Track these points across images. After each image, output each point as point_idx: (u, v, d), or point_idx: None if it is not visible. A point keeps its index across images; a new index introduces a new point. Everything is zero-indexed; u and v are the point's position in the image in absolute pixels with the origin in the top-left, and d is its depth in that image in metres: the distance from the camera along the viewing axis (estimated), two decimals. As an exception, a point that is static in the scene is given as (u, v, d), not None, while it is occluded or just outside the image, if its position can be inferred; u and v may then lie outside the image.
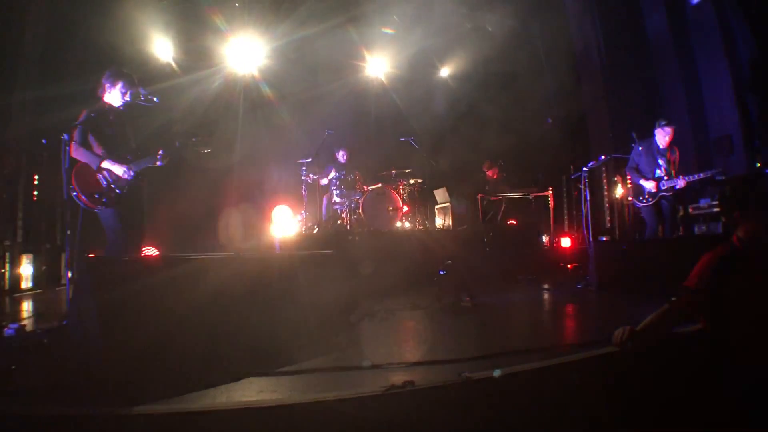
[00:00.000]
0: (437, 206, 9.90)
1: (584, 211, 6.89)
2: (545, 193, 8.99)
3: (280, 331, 3.17)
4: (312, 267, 3.84)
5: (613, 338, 2.53)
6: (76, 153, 4.24)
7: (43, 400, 2.24)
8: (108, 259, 4.10)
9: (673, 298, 2.53)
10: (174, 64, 8.35)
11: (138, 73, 4.64)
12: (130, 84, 4.44)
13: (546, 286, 5.95)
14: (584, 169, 6.92)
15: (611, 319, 4.03)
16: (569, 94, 9.83)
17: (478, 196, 9.01)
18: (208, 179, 7.85)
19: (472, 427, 2.29)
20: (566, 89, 9.82)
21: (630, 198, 6.84)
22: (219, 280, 3.00)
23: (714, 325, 2.48)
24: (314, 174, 8.38)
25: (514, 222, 8.79)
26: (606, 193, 9.33)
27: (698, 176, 6.21)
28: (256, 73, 9.16)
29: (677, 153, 6.35)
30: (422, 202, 9.22)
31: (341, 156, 8.96)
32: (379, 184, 8.41)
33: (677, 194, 6.31)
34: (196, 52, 8.50)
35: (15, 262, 6.32)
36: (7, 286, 6.18)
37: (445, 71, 10.79)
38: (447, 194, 9.55)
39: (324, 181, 8.53)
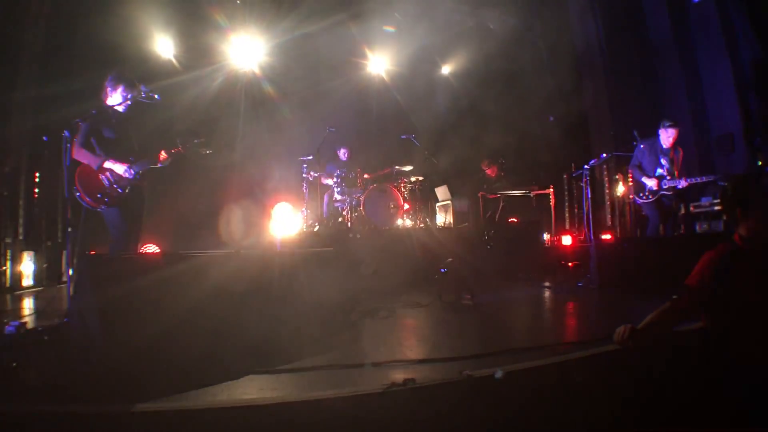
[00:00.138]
0: (438, 204, 9.90)
1: (585, 209, 6.89)
2: (546, 191, 8.98)
3: (281, 328, 3.18)
4: (313, 265, 3.84)
5: (614, 336, 2.52)
6: (78, 155, 4.29)
7: (44, 397, 2.25)
8: (109, 256, 4.12)
9: (674, 297, 2.52)
10: (175, 62, 8.34)
11: (139, 70, 4.68)
12: (131, 87, 4.48)
13: (547, 284, 5.95)
14: (585, 167, 6.92)
15: (612, 317, 4.04)
16: (571, 92, 9.80)
17: (479, 194, 9.01)
18: (210, 177, 7.86)
19: (473, 425, 2.29)
20: (568, 87, 9.79)
21: (631, 195, 6.84)
22: (220, 278, 3.00)
23: (715, 324, 2.48)
24: (315, 172, 8.38)
25: (515, 220, 8.78)
26: (607, 191, 9.31)
27: (701, 179, 6.26)
28: (257, 71, 9.15)
29: (681, 153, 6.36)
30: (423, 199, 9.21)
31: (342, 154, 8.96)
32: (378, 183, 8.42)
33: (678, 193, 6.31)
34: (197, 50, 8.48)
35: (16, 260, 6.33)
36: (8, 284, 6.19)
37: (446, 69, 10.77)
38: (448, 192, 9.54)
39: (328, 182, 8.51)
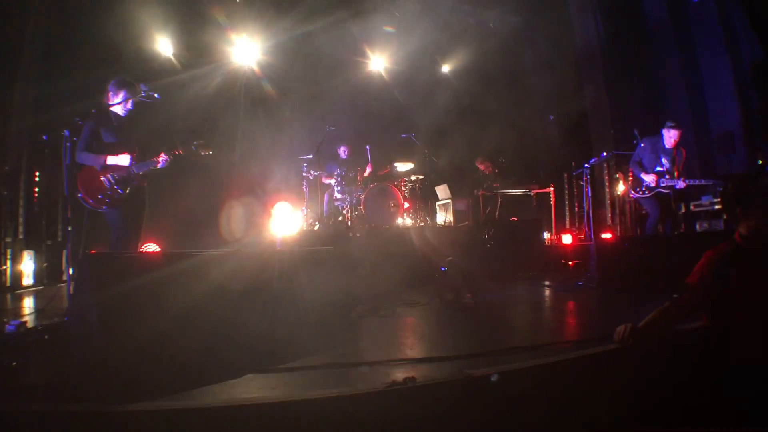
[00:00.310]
0: (439, 203, 9.89)
1: (586, 207, 6.90)
2: (547, 190, 8.98)
3: (281, 327, 3.17)
4: (313, 264, 3.84)
5: (615, 336, 2.52)
6: (80, 158, 4.35)
7: (44, 396, 2.25)
8: (108, 255, 4.12)
9: (675, 296, 2.52)
10: (175, 61, 8.34)
11: (139, 69, 4.68)
12: (133, 92, 4.53)
13: (547, 283, 5.95)
14: (586, 165, 6.93)
15: (612, 316, 4.04)
16: (571, 90, 9.81)
17: (479, 193, 9.00)
18: (210, 176, 7.84)
19: (473, 424, 2.28)
20: (568, 86, 9.79)
21: (631, 193, 6.85)
22: (219, 277, 2.99)
23: (715, 323, 2.48)
24: (315, 170, 8.37)
25: (515, 219, 8.78)
26: (608, 190, 9.31)
27: (699, 182, 6.36)
28: (257, 69, 9.14)
29: (683, 154, 6.37)
30: (424, 198, 9.21)
31: (342, 152, 8.95)
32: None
33: (678, 192, 6.33)
34: (197, 49, 8.48)
35: (16, 259, 6.32)
36: (8, 283, 6.19)
37: (446, 67, 10.76)
38: (448, 191, 9.54)
39: (330, 181, 8.51)
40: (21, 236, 6.47)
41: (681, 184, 6.18)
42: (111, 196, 4.43)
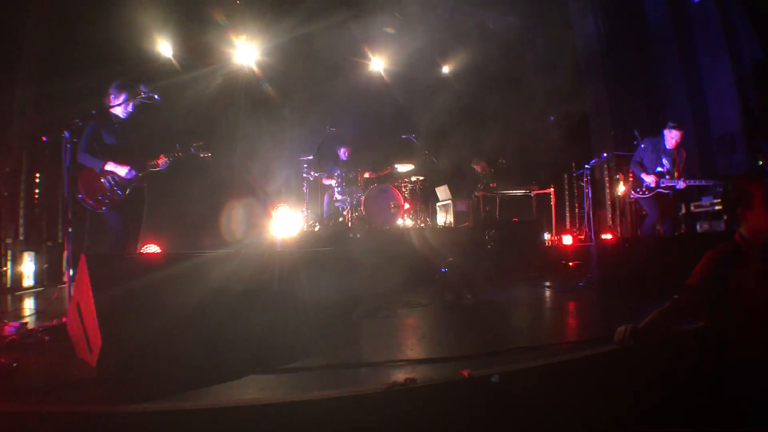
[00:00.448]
0: (439, 204, 9.89)
1: (586, 208, 6.90)
2: (547, 191, 8.98)
3: (282, 328, 3.18)
4: (313, 264, 3.84)
5: (615, 336, 2.52)
6: (81, 158, 4.38)
7: (44, 397, 2.25)
8: (108, 256, 4.14)
9: (676, 296, 2.52)
10: (175, 62, 8.35)
11: (139, 70, 4.68)
12: (134, 96, 4.55)
13: (548, 283, 5.95)
14: (586, 166, 6.92)
15: (613, 316, 4.04)
16: (571, 91, 9.81)
17: (480, 194, 9.01)
18: (210, 177, 7.85)
19: (473, 425, 2.28)
20: (568, 87, 9.79)
21: (631, 194, 6.86)
22: (220, 278, 3.00)
23: (716, 324, 2.48)
24: (315, 171, 8.37)
25: (515, 219, 8.79)
26: (608, 191, 9.31)
27: (700, 182, 6.38)
28: (257, 71, 9.15)
29: (684, 155, 6.38)
30: (424, 199, 9.21)
31: (343, 153, 8.95)
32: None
33: (678, 193, 6.33)
34: (197, 50, 8.49)
35: (16, 260, 6.33)
36: (8, 284, 6.19)
37: (446, 68, 10.77)
38: (449, 192, 9.54)
39: (330, 182, 8.50)
40: (21, 237, 6.47)
41: (681, 185, 6.19)
42: (111, 197, 4.46)
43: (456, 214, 9.28)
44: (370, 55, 10.01)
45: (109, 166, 4.44)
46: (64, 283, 5.99)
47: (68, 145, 4.04)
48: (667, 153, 6.33)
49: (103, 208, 4.47)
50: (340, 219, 8.35)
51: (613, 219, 9.26)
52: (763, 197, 2.39)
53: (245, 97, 9.13)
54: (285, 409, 2.10)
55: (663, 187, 6.25)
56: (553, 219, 9.11)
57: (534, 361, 2.60)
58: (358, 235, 6.88)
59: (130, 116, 4.64)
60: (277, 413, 2.08)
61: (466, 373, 2.29)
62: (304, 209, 8.56)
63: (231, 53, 8.80)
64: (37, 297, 5.77)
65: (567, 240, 8.34)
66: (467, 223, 8.95)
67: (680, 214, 6.72)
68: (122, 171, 4.46)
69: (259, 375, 2.56)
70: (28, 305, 5.18)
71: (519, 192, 9.10)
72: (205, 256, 3.30)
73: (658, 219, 6.37)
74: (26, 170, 6.60)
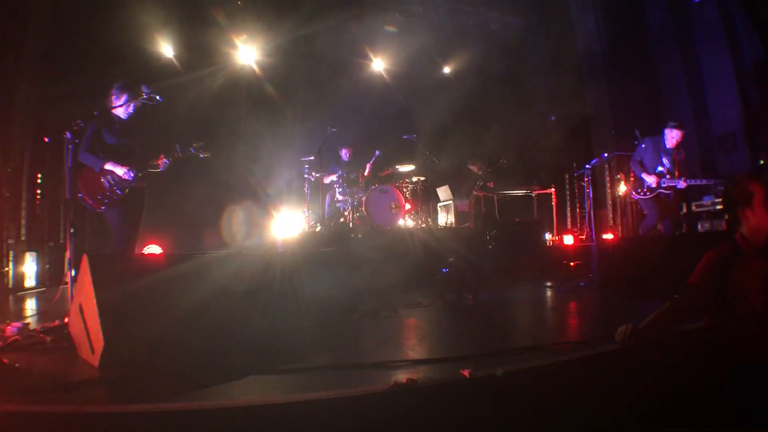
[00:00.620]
0: (440, 204, 9.89)
1: (587, 208, 6.90)
2: (548, 191, 8.98)
3: (283, 329, 3.18)
4: (314, 265, 3.84)
5: (616, 336, 2.52)
6: (82, 158, 4.38)
7: (45, 397, 2.25)
8: (110, 257, 4.15)
9: (677, 296, 2.52)
10: (177, 62, 8.36)
11: (141, 71, 4.69)
12: (135, 96, 4.56)
13: (549, 283, 5.95)
14: (587, 166, 6.92)
15: (614, 316, 4.04)
16: (572, 91, 9.80)
17: (480, 195, 9.01)
18: (212, 177, 7.86)
19: (474, 425, 2.28)
20: (569, 87, 9.79)
21: (633, 194, 6.85)
22: (221, 278, 3.00)
23: (716, 324, 2.47)
24: (317, 172, 8.37)
25: (517, 219, 8.79)
26: (609, 191, 9.31)
27: (701, 182, 6.38)
28: (258, 71, 9.15)
29: (683, 154, 6.37)
30: (425, 199, 9.20)
31: (344, 154, 8.95)
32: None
33: (679, 192, 6.32)
34: (199, 50, 8.50)
35: (18, 261, 6.33)
36: (10, 285, 6.19)
37: (448, 69, 10.77)
38: (450, 192, 9.54)
39: (331, 179, 8.51)
40: (23, 238, 6.48)
41: (682, 184, 6.18)
42: (110, 197, 4.48)
43: (457, 215, 9.28)
44: (371, 55, 10.01)
45: (109, 166, 4.46)
46: (66, 283, 5.99)
47: (70, 146, 4.04)
48: (668, 152, 6.32)
49: (103, 208, 4.49)
50: (342, 219, 8.35)
51: (614, 219, 9.26)
52: (764, 197, 2.38)
53: (247, 97, 9.14)
54: (286, 409, 2.11)
55: (664, 187, 6.25)
56: (554, 219, 9.11)
57: (535, 361, 2.61)
58: (360, 236, 6.88)
59: (131, 117, 4.65)
60: (278, 413, 2.08)
61: (467, 373, 2.29)
62: (305, 210, 8.56)
63: (232, 54, 8.81)
64: (39, 297, 5.79)
65: (568, 240, 8.34)
66: (468, 224, 8.95)
67: (681, 213, 6.70)
68: (120, 171, 4.48)
69: (260, 375, 2.57)
70: (30, 306, 5.19)
71: (520, 192, 9.10)
72: (206, 257, 3.30)
73: (657, 221, 6.37)
74: (28, 171, 6.62)
